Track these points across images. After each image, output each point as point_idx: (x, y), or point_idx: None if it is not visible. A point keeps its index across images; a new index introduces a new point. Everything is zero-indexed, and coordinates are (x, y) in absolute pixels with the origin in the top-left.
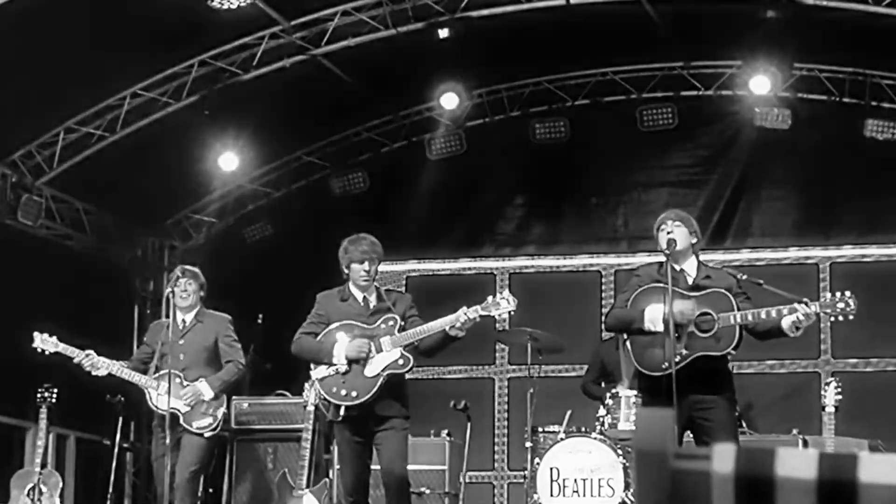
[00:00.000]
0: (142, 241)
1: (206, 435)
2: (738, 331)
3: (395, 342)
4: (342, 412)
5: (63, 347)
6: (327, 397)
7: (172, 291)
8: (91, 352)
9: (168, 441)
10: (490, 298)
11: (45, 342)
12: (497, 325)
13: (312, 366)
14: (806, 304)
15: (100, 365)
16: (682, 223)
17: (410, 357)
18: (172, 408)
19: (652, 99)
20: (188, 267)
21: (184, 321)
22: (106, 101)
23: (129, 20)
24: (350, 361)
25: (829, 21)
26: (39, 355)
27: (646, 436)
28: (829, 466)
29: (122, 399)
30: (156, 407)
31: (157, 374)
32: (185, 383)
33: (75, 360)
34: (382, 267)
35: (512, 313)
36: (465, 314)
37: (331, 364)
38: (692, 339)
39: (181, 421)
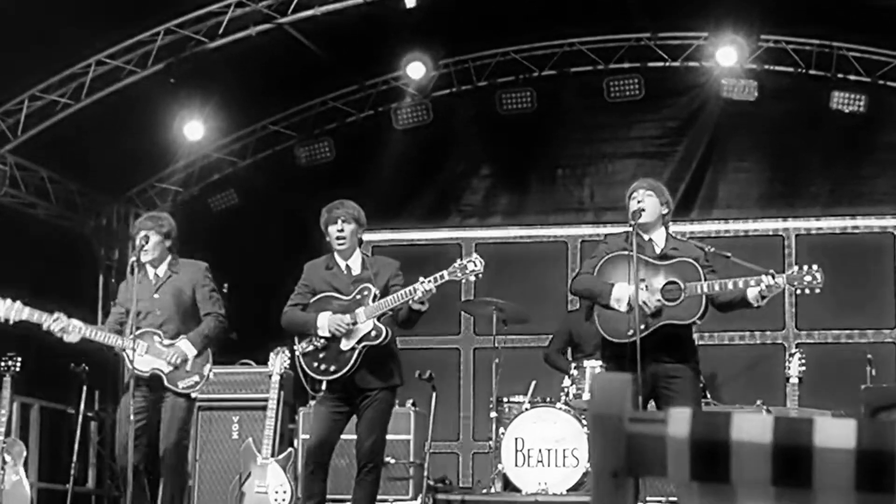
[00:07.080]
0: (107, 209)
1: (193, 395)
2: (704, 300)
3: (368, 314)
4: (323, 387)
5: (29, 313)
6: (309, 372)
7: (138, 256)
8: (60, 315)
9: (144, 403)
10: (458, 262)
11: (8, 310)
12: (462, 295)
13: (297, 341)
14: (772, 275)
15: (71, 329)
16: (654, 193)
17: (384, 328)
18: (155, 368)
19: (619, 70)
20: (148, 217)
21: (156, 275)
22: (71, 69)
23: None
24: (332, 335)
25: None
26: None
27: (601, 399)
28: (784, 431)
29: (86, 367)
30: (137, 369)
31: (135, 334)
32: (164, 342)
33: (45, 326)
34: None
35: (479, 276)
36: (423, 286)
37: (317, 336)
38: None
39: (165, 382)
